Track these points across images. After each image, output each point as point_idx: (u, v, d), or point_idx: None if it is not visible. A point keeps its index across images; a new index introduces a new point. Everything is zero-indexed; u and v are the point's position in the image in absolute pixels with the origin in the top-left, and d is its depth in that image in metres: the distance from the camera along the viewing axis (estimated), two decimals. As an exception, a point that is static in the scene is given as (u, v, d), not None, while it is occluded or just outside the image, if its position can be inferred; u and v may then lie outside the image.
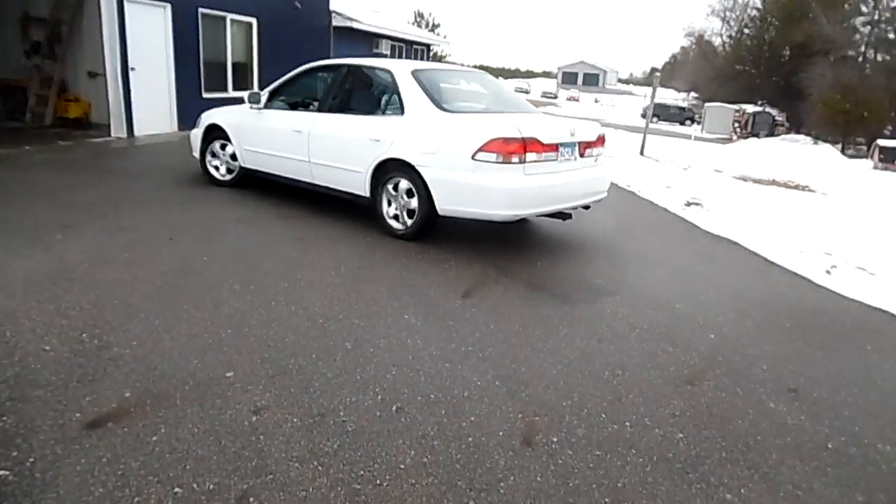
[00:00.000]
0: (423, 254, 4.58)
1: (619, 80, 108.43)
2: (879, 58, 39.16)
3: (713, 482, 2.18)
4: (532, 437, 2.35)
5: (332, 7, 14.62)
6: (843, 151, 29.22)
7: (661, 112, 41.32)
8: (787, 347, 3.49)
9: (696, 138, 28.16)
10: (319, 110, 5.54)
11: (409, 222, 4.81)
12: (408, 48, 21.24)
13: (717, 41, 50.33)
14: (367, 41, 17.99)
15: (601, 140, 5.04)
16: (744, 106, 39.96)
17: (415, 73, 5.06)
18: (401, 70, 5.10)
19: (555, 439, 2.35)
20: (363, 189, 5.06)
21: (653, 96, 14.97)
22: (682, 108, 42.47)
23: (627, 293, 4.14)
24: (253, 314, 3.30)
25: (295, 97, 5.96)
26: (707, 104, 42.41)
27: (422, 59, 22.42)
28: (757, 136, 36.02)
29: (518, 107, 5.45)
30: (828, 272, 5.09)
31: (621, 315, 3.72)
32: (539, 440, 2.34)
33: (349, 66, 5.60)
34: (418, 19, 45.61)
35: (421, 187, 4.60)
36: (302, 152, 5.44)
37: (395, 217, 4.93)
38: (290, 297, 3.59)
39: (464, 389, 2.67)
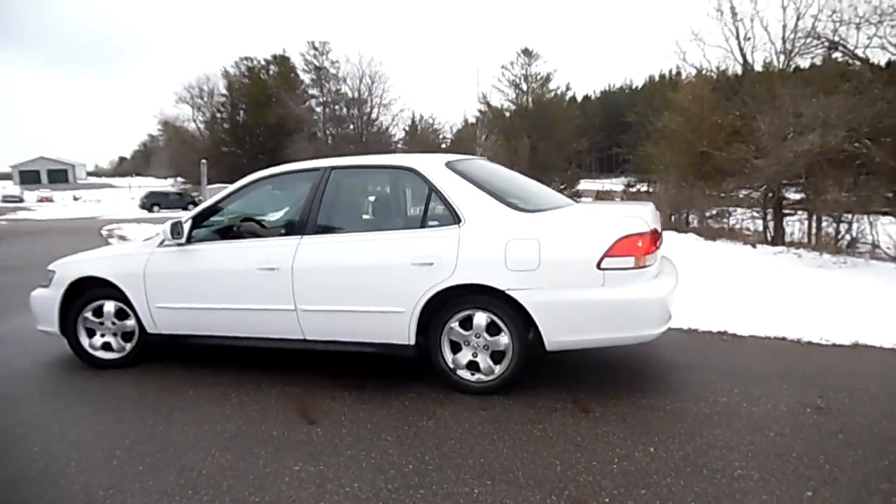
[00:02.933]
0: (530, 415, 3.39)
1: (88, 174, 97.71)
2: (334, 131, 46.94)
3: None
4: None
5: None
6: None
7: (161, 200, 39.29)
8: None
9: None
10: (298, 233, 3.75)
11: (498, 369, 3.47)
12: None
13: (191, 126, 50.97)
14: None
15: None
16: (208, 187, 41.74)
17: (451, 166, 3.73)
18: (430, 164, 3.76)
19: None
20: (404, 336, 3.54)
21: (203, 184, 14.72)
22: (180, 194, 41.26)
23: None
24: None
25: (241, 222, 4.29)
26: (209, 186, 42.44)
27: None
28: None
29: (555, 196, 4.32)
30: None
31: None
32: None
33: (334, 167, 3.96)
34: None
35: (513, 318, 3.37)
36: (279, 298, 3.74)
37: (469, 366, 3.51)
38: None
39: None
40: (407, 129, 49.23)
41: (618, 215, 3.52)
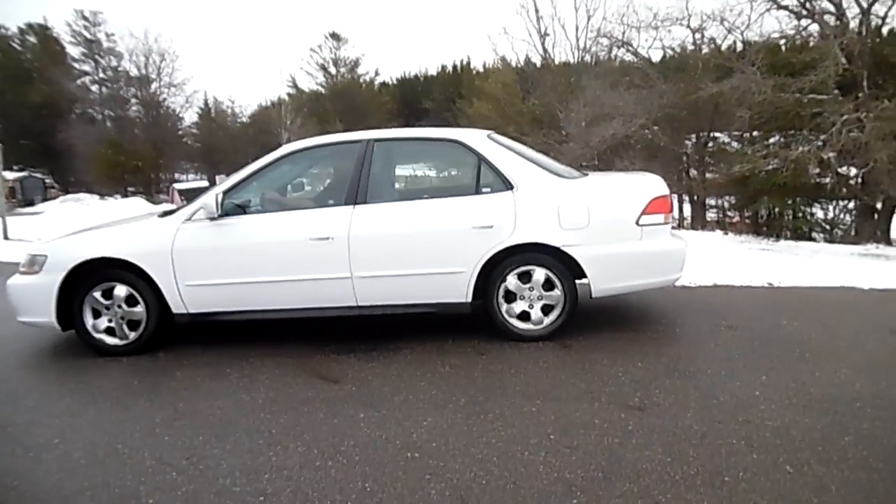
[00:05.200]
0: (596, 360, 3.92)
1: None
2: (114, 113, 42.12)
3: None
4: None
5: None
6: (150, 199, 30.80)
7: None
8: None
9: None
10: (350, 203, 3.90)
11: (546, 320, 3.94)
12: None
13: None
14: None
15: None
16: (4, 174, 35.77)
17: (492, 138, 4.12)
18: (475, 137, 4.12)
19: None
20: (462, 294, 3.86)
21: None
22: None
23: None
24: None
25: (278, 195, 4.23)
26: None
27: None
28: (32, 202, 33.55)
29: (567, 167, 4.66)
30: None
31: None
32: None
33: (376, 140, 4.11)
34: None
35: (563, 273, 3.86)
36: (333, 267, 3.82)
37: (521, 315, 3.92)
38: None
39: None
40: (200, 111, 45.96)
41: (646, 180, 4.18)
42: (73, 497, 2.38)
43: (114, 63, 40.76)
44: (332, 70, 39.77)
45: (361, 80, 41.66)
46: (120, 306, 3.94)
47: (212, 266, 3.90)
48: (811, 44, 13.38)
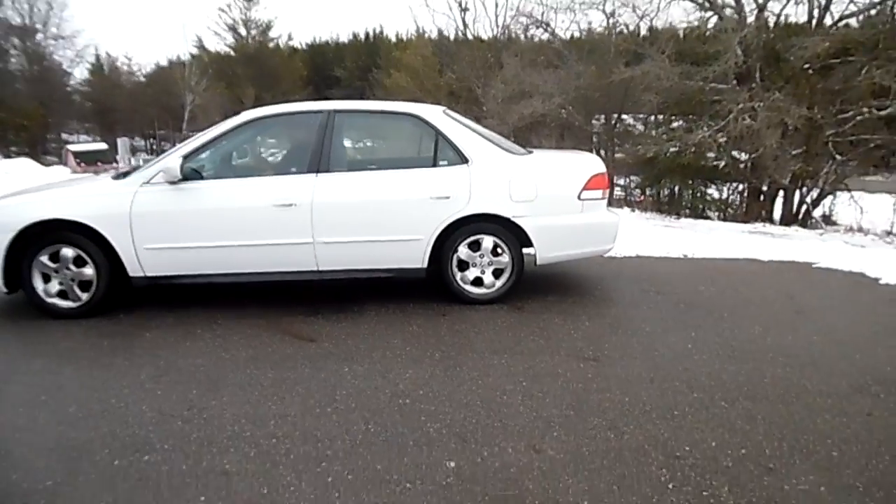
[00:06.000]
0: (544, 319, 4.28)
1: None
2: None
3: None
4: None
5: None
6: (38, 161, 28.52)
7: None
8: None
9: None
10: (313, 171, 4.00)
11: (498, 283, 4.27)
12: None
13: None
14: None
15: None
16: None
17: (447, 114, 4.33)
18: (432, 112, 4.36)
19: None
20: (419, 260, 4.13)
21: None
22: None
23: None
24: None
25: (239, 160, 4.36)
26: None
27: None
28: None
29: (511, 143, 4.90)
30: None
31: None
32: None
33: (337, 111, 4.24)
34: None
35: (512, 241, 4.20)
36: (296, 232, 3.97)
37: (475, 281, 4.23)
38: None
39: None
40: (92, 66, 42.64)
41: (586, 158, 4.61)
42: (85, 445, 2.47)
43: (-10, 9, 36.83)
44: (243, 31, 37.98)
45: (273, 45, 40.04)
46: (68, 268, 3.90)
47: (172, 230, 3.94)
48: (713, 34, 14.43)
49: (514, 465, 2.34)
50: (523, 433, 2.57)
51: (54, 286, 3.92)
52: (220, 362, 3.31)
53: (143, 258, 3.94)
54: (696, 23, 14.36)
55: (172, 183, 3.90)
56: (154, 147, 40.08)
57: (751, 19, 14.16)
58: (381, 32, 54.66)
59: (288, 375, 3.13)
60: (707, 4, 14.70)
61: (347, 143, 4.46)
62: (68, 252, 3.87)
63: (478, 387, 3.01)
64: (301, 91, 37.10)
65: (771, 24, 14.06)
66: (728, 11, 14.35)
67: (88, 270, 3.92)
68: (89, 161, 28.16)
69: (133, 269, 3.96)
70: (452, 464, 2.34)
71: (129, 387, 3.01)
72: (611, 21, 16.35)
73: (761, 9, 13.88)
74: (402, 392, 2.95)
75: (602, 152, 17.82)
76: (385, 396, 2.91)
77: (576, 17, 16.21)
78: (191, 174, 3.95)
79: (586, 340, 3.63)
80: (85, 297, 3.96)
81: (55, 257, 3.88)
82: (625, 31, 16.63)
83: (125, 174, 4.17)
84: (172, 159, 3.92)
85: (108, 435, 2.55)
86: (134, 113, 37.03)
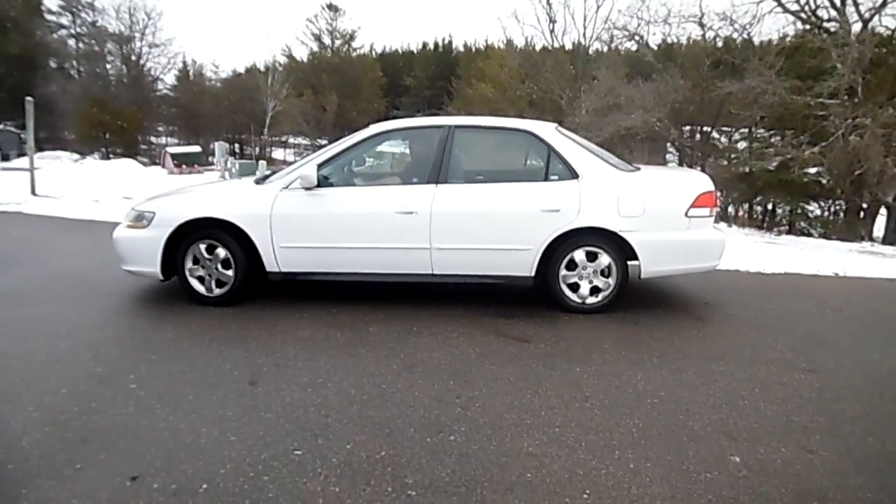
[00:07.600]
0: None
1: None
2: (89, 70, 40.72)
3: None
4: None
5: None
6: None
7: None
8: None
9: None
10: (433, 182, 4.39)
11: (602, 294, 4.48)
12: None
13: None
14: None
15: None
16: (-25, 127, 34.57)
17: (560, 131, 4.58)
18: (545, 129, 4.56)
19: None
20: (527, 269, 4.39)
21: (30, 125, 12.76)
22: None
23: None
24: None
25: (365, 170, 4.73)
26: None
27: None
28: (7, 157, 32.66)
29: (622, 161, 5.10)
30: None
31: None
32: None
33: (457, 126, 4.51)
34: None
35: (617, 253, 4.38)
36: (415, 238, 4.33)
37: (579, 290, 4.47)
38: None
39: None
40: (179, 73, 44.87)
41: (694, 176, 4.77)
42: (389, 423, 2.78)
43: (91, 18, 39.35)
44: (327, 41, 39.37)
45: (356, 54, 41.28)
46: (217, 268, 4.44)
47: (306, 231, 4.38)
48: (817, 47, 14.17)
49: (796, 462, 2.53)
50: (786, 435, 2.75)
51: (198, 270, 4.47)
52: (455, 358, 3.61)
53: (279, 255, 4.40)
54: (805, 36, 14.11)
55: (308, 189, 4.32)
56: (236, 151, 41.74)
57: (855, 28, 13.82)
58: (451, 42, 55.45)
59: (527, 373, 3.40)
60: (813, 18, 14.46)
61: (464, 157, 4.75)
62: (221, 252, 4.40)
63: (714, 390, 3.21)
64: (380, 100, 38.07)
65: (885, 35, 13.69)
66: (833, 26, 14.08)
67: (229, 272, 4.43)
68: (186, 163, 29.69)
69: (270, 265, 4.43)
70: (738, 459, 2.55)
71: (388, 375, 3.34)
72: (708, 34, 16.26)
73: (865, 22, 13.56)
74: (644, 392, 3.18)
75: (688, 165, 17.70)
76: (630, 395, 3.14)
77: (671, 30, 16.04)
78: (323, 181, 4.38)
79: (793, 353, 3.79)
80: (218, 291, 4.49)
81: (210, 250, 4.42)
82: (722, 43, 16.51)
83: (265, 179, 4.65)
84: (309, 168, 4.37)
85: (402, 416, 2.87)
86: (220, 118, 38.70)
